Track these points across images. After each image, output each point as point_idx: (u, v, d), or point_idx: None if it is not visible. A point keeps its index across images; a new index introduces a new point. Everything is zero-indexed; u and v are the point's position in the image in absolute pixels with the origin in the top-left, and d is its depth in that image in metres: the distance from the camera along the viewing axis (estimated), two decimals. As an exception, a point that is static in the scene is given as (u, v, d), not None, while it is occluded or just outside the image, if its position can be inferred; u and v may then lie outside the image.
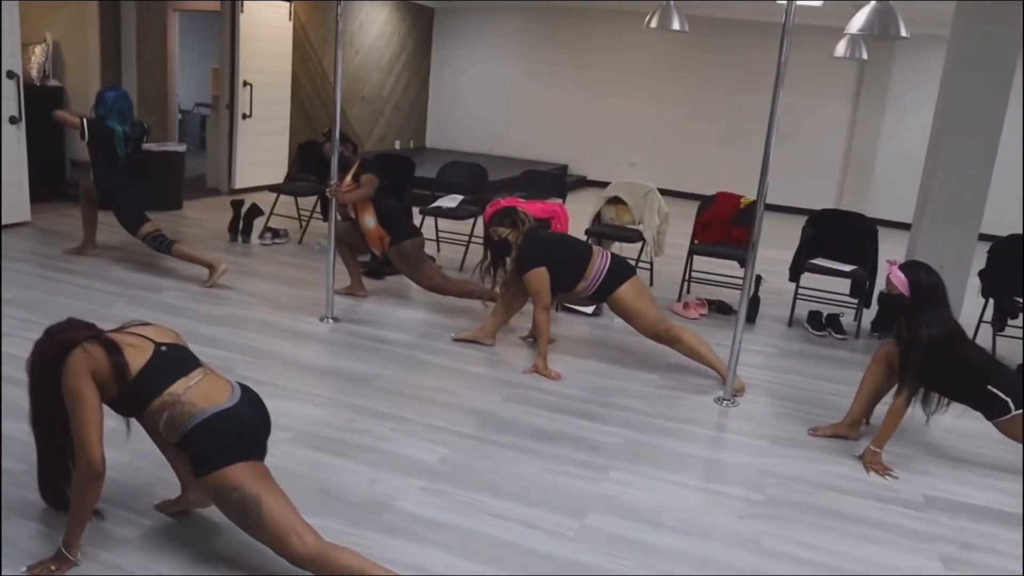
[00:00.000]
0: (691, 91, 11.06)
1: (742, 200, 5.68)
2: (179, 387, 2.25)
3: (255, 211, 6.64)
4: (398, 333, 4.60)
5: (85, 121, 5.24)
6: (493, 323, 4.45)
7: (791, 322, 5.36)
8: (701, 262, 5.76)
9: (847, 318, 5.33)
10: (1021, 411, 3.23)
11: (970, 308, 4.97)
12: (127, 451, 2.63)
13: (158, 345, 2.34)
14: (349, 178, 4.98)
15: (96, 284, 5.08)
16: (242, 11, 8.19)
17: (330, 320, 4.68)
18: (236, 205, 6.58)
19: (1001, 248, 5.14)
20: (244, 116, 8.41)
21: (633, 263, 5.71)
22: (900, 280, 3.34)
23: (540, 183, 6.26)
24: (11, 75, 6.16)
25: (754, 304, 5.36)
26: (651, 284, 5.90)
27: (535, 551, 2.52)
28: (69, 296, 4.76)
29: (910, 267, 3.40)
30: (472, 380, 4.02)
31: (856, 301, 5.31)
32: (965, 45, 4.84)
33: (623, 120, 11.45)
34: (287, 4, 8.85)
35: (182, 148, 7.70)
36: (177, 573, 2.26)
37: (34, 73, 7.35)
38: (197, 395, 2.25)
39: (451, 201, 6.29)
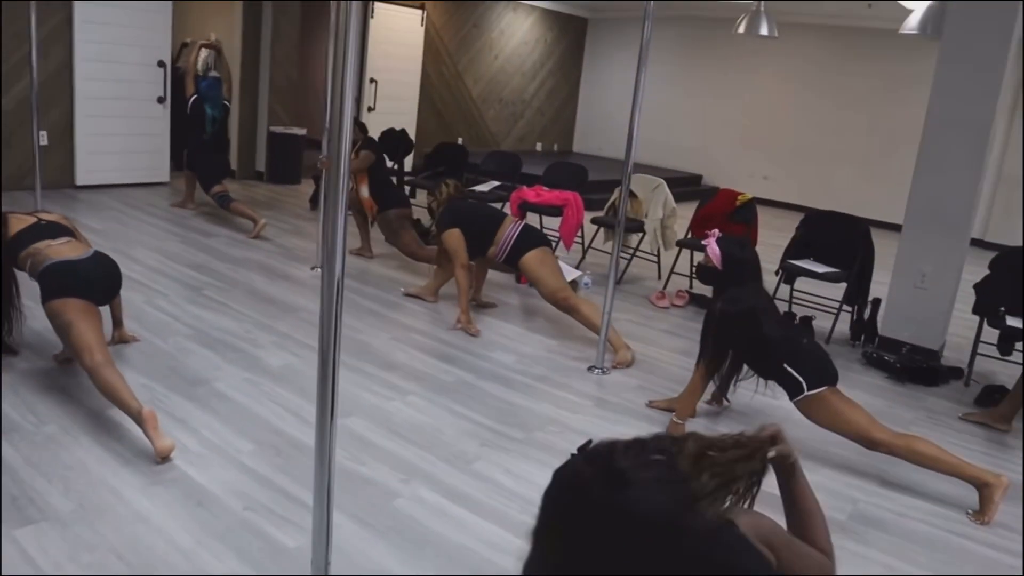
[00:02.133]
0: (831, 104, 10.69)
1: (739, 197, 5.73)
2: (42, 245, 3.13)
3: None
4: (364, 285, 5.27)
5: (191, 101, 6.48)
6: (434, 283, 4.99)
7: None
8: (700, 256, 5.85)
9: (827, 323, 5.19)
10: (813, 392, 3.20)
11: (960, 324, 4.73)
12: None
13: (39, 220, 3.25)
14: (352, 154, 5.72)
15: (170, 227, 6.26)
16: (372, 15, 9.27)
17: (318, 269, 5.45)
18: (317, 179, 7.58)
19: (1005, 260, 4.78)
20: (369, 109, 9.49)
21: (630, 253, 6.02)
22: (714, 253, 3.48)
23: (563, 174, 6.66)
24: (160, 64, 7.60)
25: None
26: (658, 276, 6.08)
27: (281, 430, 3.06)
28: (144, 233, 5.96)
29: (725, 241, 3.52)
30: (385, 323, 4.58)
31: (851, 308, 5.16)
32: (953, 43, 4.64)
33: (760, 133, 11.30)
34: (419, 11, 9.84)
35: (302, 131, 8.89)
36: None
37: (199, 66, 8.85)
38: (54, 251, 3.13)
39: (486, 186, 6.88)
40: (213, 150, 6.64)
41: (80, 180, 7.17)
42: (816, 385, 3.18)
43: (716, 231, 3.58)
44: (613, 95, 12.58)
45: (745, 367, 3.45)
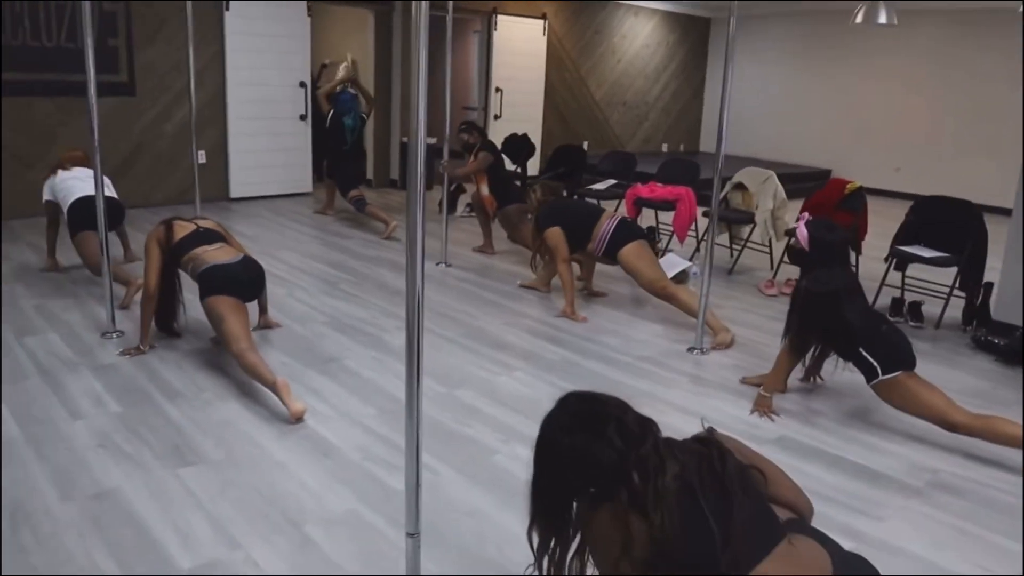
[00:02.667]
0: (960, 91, 10.23)
1: (848, 186, 5.71)
2: (199, 250, 3.68)
3: (459, 190, 8.08)
4: (484, 279, 5.65)
5: (330, 115, 7.13)
6: (546, 275, 5.30)
7: (873, 305, 5.32)
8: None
9: (938, 308, 5.12)
10: (888, 376, 3.25)
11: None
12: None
13: (198, 227, 3.80)
14: (472, 157, 6.15)
15: (312, 231, 6.90)
16: (496, 27, 9.72)
17: (444, 264, 5.89)
18: (448, 184, 8.06)
19: None
20: (495, 117, 9.95)
21: (742, 243, 6.12)
22: (803, 235, 3.62)
23: (676, 171, 6.81)
24: (301, 84, 8.34)
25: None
26: (770, 266, 6.14)
27: (399, 399, 3.43)
28: (289, 237, 6.60)
29: (814, 224, 3.65)
30: (500, 311, 4.92)
31: (963, 293, 5.08)
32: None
33: (890, 124, 10.95)
34: (541, 21, 10.22)
35: (432, 141, 9.43)
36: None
37: (338, 85, 9.58)
38: (210, 255, 3.67)
39: (602, 184, 7.14)
40: (351, 160, 7.24)
41: (234, 193, 7.97)
42: (891, 370, 3.25)
43: (806, 215, 3.69)
44: (740, 93, 12.48)
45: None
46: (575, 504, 1.66)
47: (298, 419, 3.19)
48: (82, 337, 4.08)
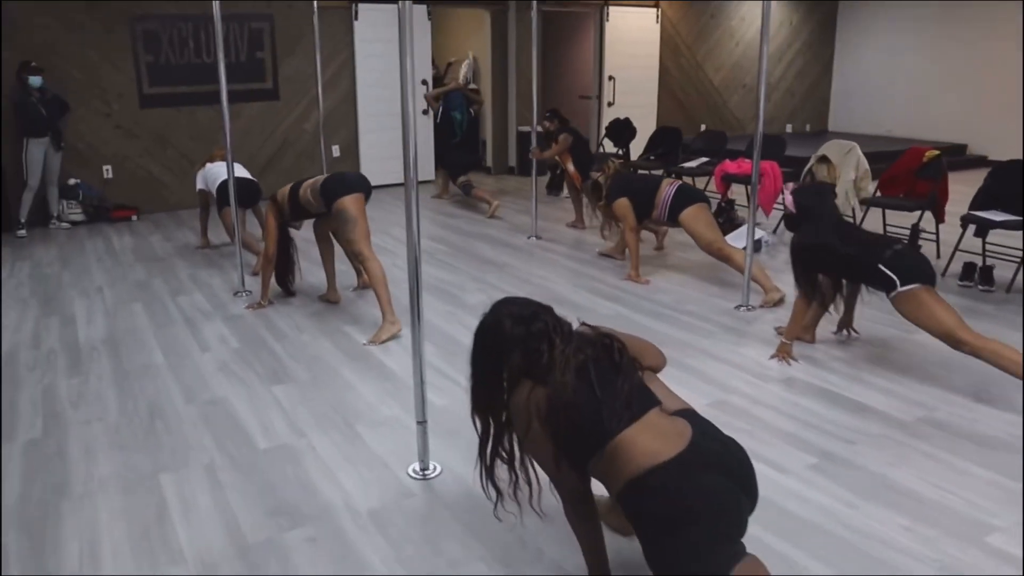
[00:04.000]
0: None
1: (927, 154, 5.82)
2: (303, 188, 4.49)
3: (564, 174, 8.65)
4: (570, 249, 6.22)
5: (438, 113, 7.95)
6: (620, 243, 5.79)
7: (945, 272, 5.44)
8: (893, 216, 6.04)
9: (1009, 272, 5.19)
10: (906, 288, 3.48)
11: None
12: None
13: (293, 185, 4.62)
14: (554, 142, 6.73)
15: (425, 212, 7.69)
16: (607, 18, 10.21)
17: (535, 238, 6.51)
18: (552, 168, 8.68)
19: None
20: (608, 104, 10.44)
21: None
22: (789, 202, 3.97)
23: (764, 147, 7.05)
24: (423, 82, 9.18)
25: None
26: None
27: (461, 342, 4.08)
28: (400, 216, 7.41)
29: (799, 192, 4.00)
30: (573, 275, 5.46)
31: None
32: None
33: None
34: (654, 9, 10.60)
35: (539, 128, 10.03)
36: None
37: (460, 80, 10.41)
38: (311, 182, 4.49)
39: (695, 162, 7.51)
40: (460, 150, 8.01)
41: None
42: (909, 282, 3.48)
43: (792, 184, 4.05)
44: (867, 71, 12.28)
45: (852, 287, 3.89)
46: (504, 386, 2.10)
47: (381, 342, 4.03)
48: (219, 295, 5.02)
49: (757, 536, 2.40)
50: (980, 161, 10.55)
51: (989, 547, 2.39)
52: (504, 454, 2.11)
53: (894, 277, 3.51)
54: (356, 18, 8.58)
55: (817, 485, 2.73)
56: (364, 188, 4.48)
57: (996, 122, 10.81)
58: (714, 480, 1.80)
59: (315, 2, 7.29)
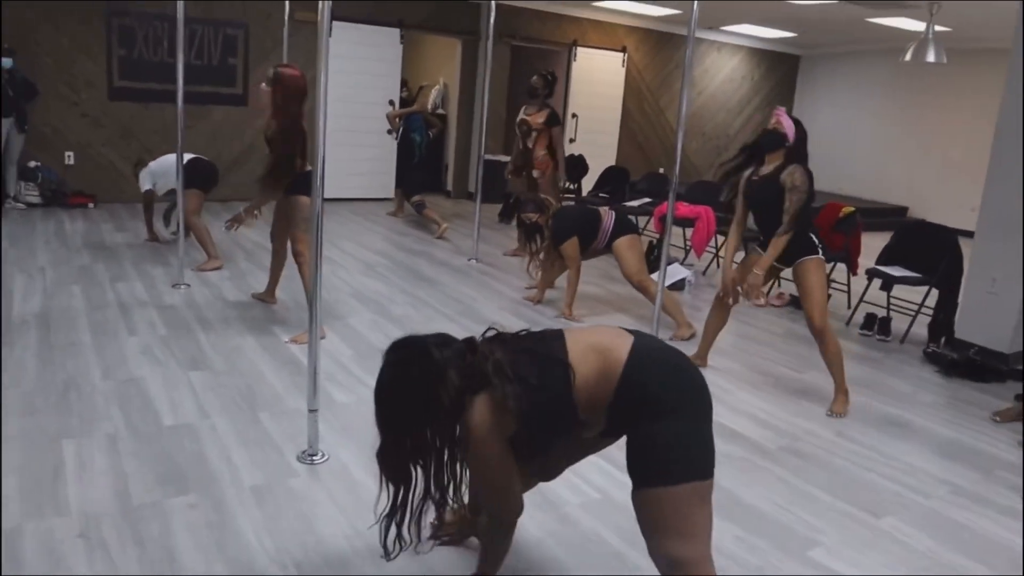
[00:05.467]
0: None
1: (843, 210, 6.20)
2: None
3: (518, 202, 8.95)
4: (504, 274, 6.49)
5: (398, 132, 8.23)
6: (548, 278, 5.90)
7: (849, 321, 5.79)
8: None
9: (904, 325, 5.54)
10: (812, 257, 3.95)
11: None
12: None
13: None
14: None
15: (377, 228, 7.97)
16: (575, 58, 10.60)
17: (474, 260, 6.77)
18: (506, 197, 8.98)
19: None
20: (570, 140, 10.79)
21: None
22: (788, 124, 4.10)
23: (700, 192, 7.45)
24: (391, 103, 9.47)
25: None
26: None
27: (375, 346, 4.33)
28: (355, 231, 7.68)
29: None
30: (499, 297, 5.71)
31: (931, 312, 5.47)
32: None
33: (964, 163, 11.03)
34: (620, 54, 11.02)
35: (507, 158, 10.35)
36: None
37: (429, 105, 10.71)
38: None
39: (637, 202, 7.86)
40: (417, 170, 8.29)
41: (327, 195, 9.13)
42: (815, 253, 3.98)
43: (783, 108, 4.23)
44: (827, 129, 12.78)
45: None
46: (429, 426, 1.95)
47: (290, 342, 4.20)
48: (157, 286, 5.22)
49: (605, 538, 2.66)
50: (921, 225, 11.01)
51: (810, 560, 2.65)
52: (435, 494, 2.01)
53: (817, 244, 3.99)
54: (330, 34, 8.84)
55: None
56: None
57: (936, 187, 11.33)
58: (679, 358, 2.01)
59: (287, 15, 7.55)
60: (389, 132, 9.37)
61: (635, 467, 1.93)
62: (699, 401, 1.96)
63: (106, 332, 4.26)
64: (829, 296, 5.80)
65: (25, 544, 2.35)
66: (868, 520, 2.94)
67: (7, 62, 7.15)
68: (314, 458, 3.04)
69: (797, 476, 3.26)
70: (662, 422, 1.88)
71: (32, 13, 7.57)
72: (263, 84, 4.33)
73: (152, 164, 6.07)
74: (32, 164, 7.70)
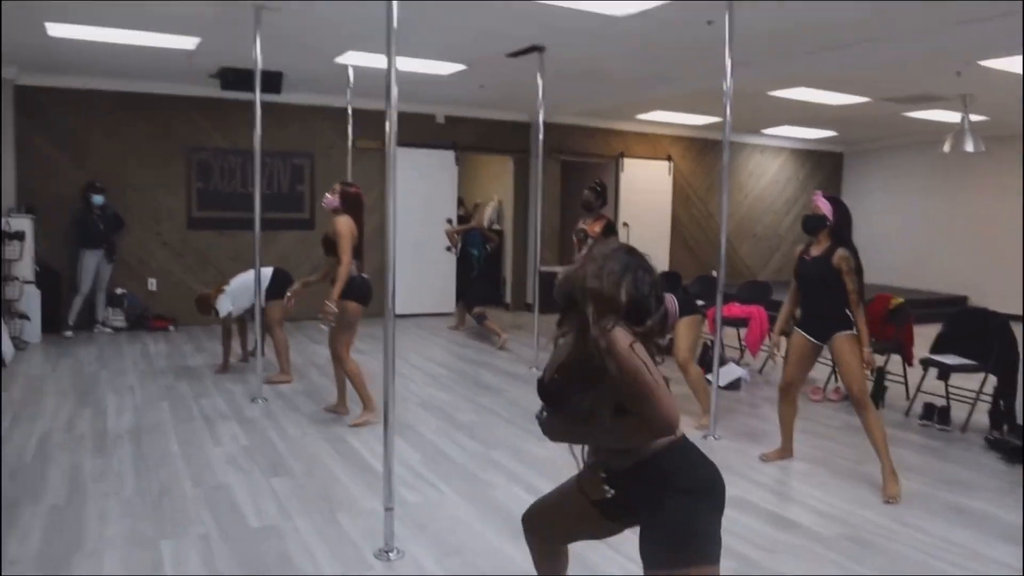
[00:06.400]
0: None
1: (892, 301, 6.30)
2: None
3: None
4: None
5: (458, 248, 8.68)
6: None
7: (908, 412, 5.81)
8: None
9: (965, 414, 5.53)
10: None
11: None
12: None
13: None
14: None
15: (440, 341, 8.34)
16: (623, 169, 11.06)
17: (535, 368, 7.01)
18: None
19: None
20: (622, 247, 11.12)
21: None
22: (825, 206, 4.31)
23: (752, 292, 7.63)
24: (448, 221, 9.99)
25: (879, 392, 5.97)
26: (827, 377, 6.72)
27: (442, 451, 4.56)
28: (420, 343, 8.01)
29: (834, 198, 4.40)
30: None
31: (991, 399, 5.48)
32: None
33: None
34: (666, 163, 11.47)
35: (559, 269, 10.71)
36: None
37: (485, 221, 11.22)
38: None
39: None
40: (477, 283, 8.68)
41: (388, 307, 9.57)
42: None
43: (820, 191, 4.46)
44: (877, 222, 12.88)
45: None
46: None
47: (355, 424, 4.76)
48: (237, 400, 5.57)
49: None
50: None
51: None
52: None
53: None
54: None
55: (728, 584, 3.09)
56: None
57: (992, 274, 11.25)
58: None
59: (350, 144, 8.15)
60: (448, 249, 9.83)
61: (656, 547, 2.02)
62: (722, 493, 2.11)
63: (193, 443, 4.57)
64: (885, 388, 5.92)
65: (133, 635, 2.57)
66: (932, 605, 2.98)
67: (98, 199, 7.85)
68: (390, 554, 3.23)
69: (856, 563, 3.32)
70: (693, 503, 2.03)
71: (121, 150, 8.33)
72: (328, 195, 5.04)
73: (228, 287, 6.26)
74: (119, 291, 8.29)
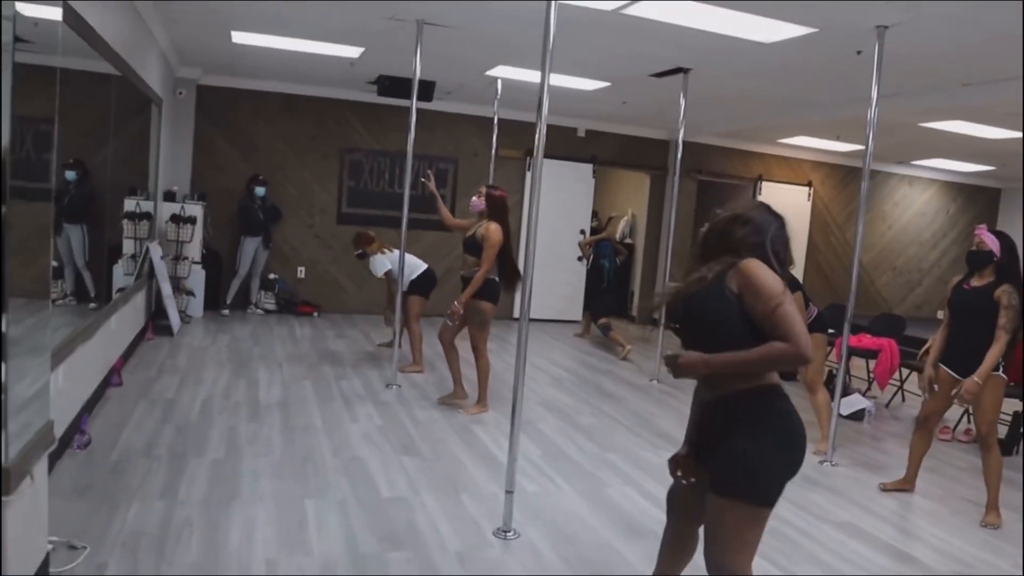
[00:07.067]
0: None
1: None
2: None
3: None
4: (685, 395, 6.78)
5: (589, 259, 8.90)
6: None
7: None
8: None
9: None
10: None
11: None
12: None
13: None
14: None
15: (563, 347, 8.53)
16: (760, 192, 10.97)
17: (656, 380, 7.12)
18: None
19: None
20: (753, 270, 11.03)
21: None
22: (992, 241, 4.24)
23: (883, 324, 7.46)
24: (581, 232, 10.23)
25: (1014, 437, 5.77)
26: (959, 418, 6.51)
27: (561, 449, 4.79)
28: (546, 348, 8.27)
29: (999, 233, 4.27)
30: (680, 416, 5.98)
31: None
32: None
33: None
34: (806, 188, 11.29)
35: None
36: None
37: (618, 235, 11.39)
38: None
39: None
40: (606, 294, 8.86)
41: (517, 314, 9.86)
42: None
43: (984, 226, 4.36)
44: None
45: None
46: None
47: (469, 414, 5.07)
48: (373, 384, 5.99)
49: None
50: None
51: None
52: None
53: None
54: (528, 168, 9.80)
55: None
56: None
57: None
58: None
59: (493, 152, 8.52)
60: (580, 259, 10.06)
61: (725, 476, 2.22)
62: (802, 453, 2.27)
63: (333, 419, 4.98)
64: (1023, 434, 5.69)
65: (280, 572, 2.92)
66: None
67: (260, 191, 8.54)
68: (507, 534, 3.47)
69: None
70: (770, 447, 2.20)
71: (283, 147, 9.04)
72: (475, 198, 5.34)
73: (391, 252, 6.64)
74: (272, 276, 8.97)
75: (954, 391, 4.27)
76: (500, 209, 5.27)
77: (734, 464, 2.22)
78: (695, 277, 2.35)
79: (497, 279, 5.29)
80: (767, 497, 2.22)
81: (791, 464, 2.25)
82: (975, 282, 4.21)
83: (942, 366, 4.35)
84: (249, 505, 3.51)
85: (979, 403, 4.17)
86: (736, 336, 2.19)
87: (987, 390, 4.12)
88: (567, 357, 8.00)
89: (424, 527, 3.48)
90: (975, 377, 4.07)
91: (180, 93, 8.42)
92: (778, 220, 2.40)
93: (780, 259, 2.33)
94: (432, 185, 5.92)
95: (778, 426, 2.24)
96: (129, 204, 5.99)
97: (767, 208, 2.43)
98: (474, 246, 5.21)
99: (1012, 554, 3.84)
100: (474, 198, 5.38)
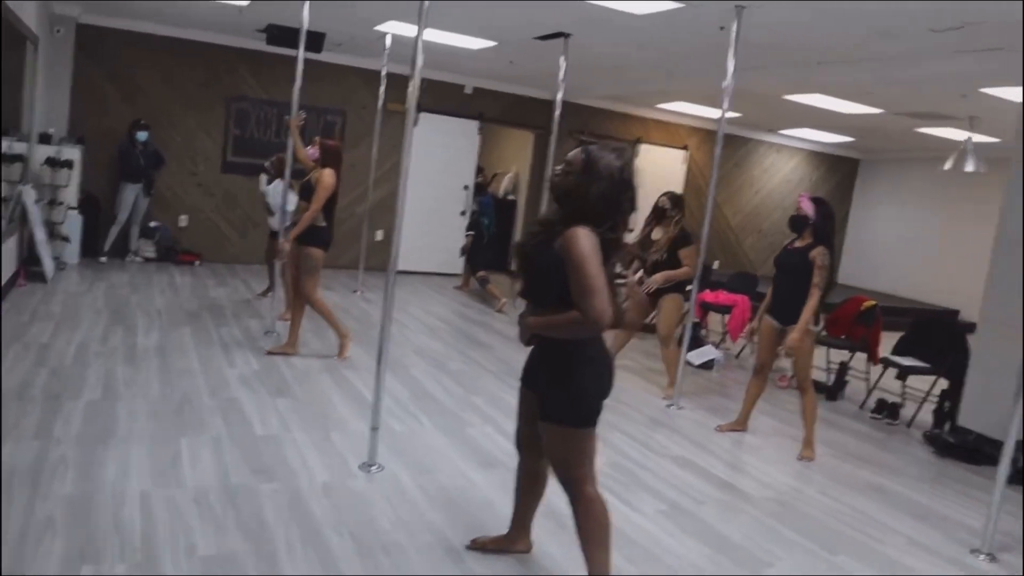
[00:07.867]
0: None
1: (864, 303, 6.77)
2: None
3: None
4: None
5: (470, 212, 9.20)
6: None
7: (863, 405, 6.30)
8: (834, 353, 6.93)
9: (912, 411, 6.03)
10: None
11: None
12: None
13: None
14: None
15: (442, 299, 8.85)
16: (638, 154, 11.50)
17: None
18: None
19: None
20: (629, 231, 11.57)
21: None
22: (808, 207, 4.78)
23: (740, 282, 8.12)
24: (465, 187, 10.50)
25: (839, 385, 6.49)
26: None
27: (427, 390, 5.14)
28: (423, 300, 8.56)
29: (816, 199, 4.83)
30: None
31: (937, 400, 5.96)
32: None
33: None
34: (682, 151, 11.89)
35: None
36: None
37: (500, 191, 11.73)
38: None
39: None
40: (485, 249, 9.19)
41: (400, 267, 10.10)
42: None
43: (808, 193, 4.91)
44: (883, 231, 13.25)
45: None
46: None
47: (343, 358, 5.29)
48: (252, 331, 6.16)
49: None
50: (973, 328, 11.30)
51: (762, 577, 3.26)
52: None
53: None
54: (415, 124, 9.96)
55: (659, 524, 3.63)
56: None
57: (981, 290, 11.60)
58: None
59: (380, 105, 8.66)
60: (462, 213, 10.37)
61: (547, 403, 2.61)
62: (611, 377, 2.68)
63: (211, 363, 5.16)
64: (846, 382, 6.42)
65: (153, 503, 3.15)
66: (823, 555, 3.52)
67: (142, 135, 8.42)
68: (372, 468, 3.79)
69: (772, 518, 3.85)
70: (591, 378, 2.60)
71: (168, 92, 8.91)
72: (310, 148, 5.59)
73: (282, 181, 6.33)
74: (152, 224, 8.89)
75: (780, 346, 4.84)
76: (333, 157, 5.51)
77: (553, 394, 2.60)
78: (533, 231, 2.69)
79: (326, 225, 5.48)
80: (586, 419, 2.61)
81: (601, 388, 2.64)
82: (798, 244, 4.77)
83: (768, 317, 4.90)
84: (125, 443, 3.70)
85: (797, 352, 4.75)
86: (558, 293, 2.52)
87: (804, 342, 4.70)
88: (445, 308, 8.34)
89: (294, 461, 3.76)
90: (795, 332, 4.63)
91: (57, 31, 8.16)
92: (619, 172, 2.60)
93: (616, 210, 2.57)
94: (296, 123, 5.82)
95: (587, 357, 2.60)
96: (-1, 146, 5.89)
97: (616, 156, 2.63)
98: (310, 191, 5.41)
99: (819, 482, 4.43)
100: (309, 148, 5.59)
